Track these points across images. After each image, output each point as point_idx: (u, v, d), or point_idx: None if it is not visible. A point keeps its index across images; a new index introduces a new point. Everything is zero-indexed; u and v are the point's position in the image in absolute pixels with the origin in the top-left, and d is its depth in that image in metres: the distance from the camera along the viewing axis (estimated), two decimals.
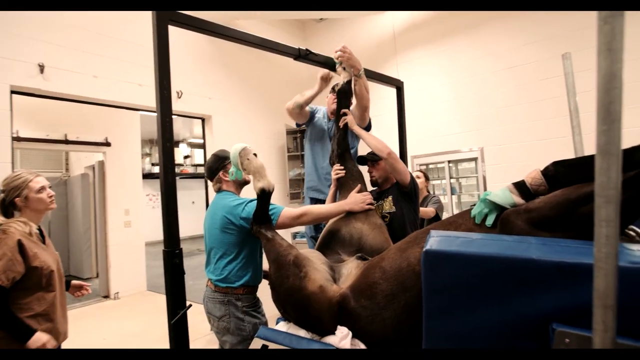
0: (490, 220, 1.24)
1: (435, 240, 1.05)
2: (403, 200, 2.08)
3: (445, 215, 3.46)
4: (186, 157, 11.77)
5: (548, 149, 3.50)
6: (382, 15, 4.58)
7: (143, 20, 3.56)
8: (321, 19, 5.22)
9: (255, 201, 1.84)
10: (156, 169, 10.54)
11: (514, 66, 3.72)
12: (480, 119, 3.89)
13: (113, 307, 5.16)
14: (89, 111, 5.48)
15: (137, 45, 3.48)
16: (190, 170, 11.61)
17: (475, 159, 3.96)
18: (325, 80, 2.22)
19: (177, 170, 11.11)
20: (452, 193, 4.07)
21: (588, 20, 3.28)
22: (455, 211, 4.17)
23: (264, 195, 1.66)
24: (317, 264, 1.62)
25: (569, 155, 3.32)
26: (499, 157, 3.77)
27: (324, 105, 2.61)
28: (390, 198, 2.12)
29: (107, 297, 5.52)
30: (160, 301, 5.36)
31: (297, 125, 2.62)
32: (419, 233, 1.40)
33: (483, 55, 3.89)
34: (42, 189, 1.75)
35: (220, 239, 1.87)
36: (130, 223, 5.80)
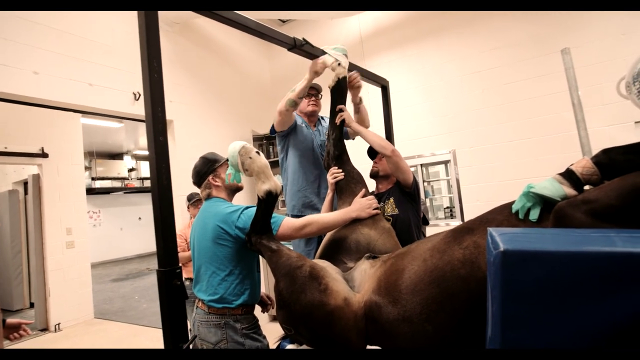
0: (535, 215, 1.14)
1: (505, 237, 0.90)
2: (406, 201, 1.97)
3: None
4: (131, 169, 10.93)
5: (516, 150, 3.61)
6: (348, 19, 4.53)
7: (96, 14, 3.17)
8: (284, 20, 5.06)
9: (253, 208, 1.62)
10: (97, 184, 9.64)
11: (479, 71, 3.82)
12: (451, 122, 3.94)
13: (55, 341, 4.47)
14: (21, 117, 4.83)
15: (89, 41, 3.07)
16: (136, 184, 10.78)
17: (447, 162, 4.00)
18: (316, 72, 2.02)
19: (121, 184, 10.26)
20: (426, 196, 4.06)
21: (544, 29, 3.45)
22: (431, 215, 4.16)
23: (270, 200, 1.44)
24: (334, 274, 1.43)
25: (537, 155, 3.52)
26: (470, 159, 3.83)
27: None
28: (391, 200, 1.99)
29: (45, 329, 4.80)
30: (111, 330, 4.77)
31: (273, 132, 2.38)
32: (455, 232, 1.26)
33: (450, 60, 3.96)
34: None
35: (213, 252, 1.62)
36: (74, 243, 5.13)
